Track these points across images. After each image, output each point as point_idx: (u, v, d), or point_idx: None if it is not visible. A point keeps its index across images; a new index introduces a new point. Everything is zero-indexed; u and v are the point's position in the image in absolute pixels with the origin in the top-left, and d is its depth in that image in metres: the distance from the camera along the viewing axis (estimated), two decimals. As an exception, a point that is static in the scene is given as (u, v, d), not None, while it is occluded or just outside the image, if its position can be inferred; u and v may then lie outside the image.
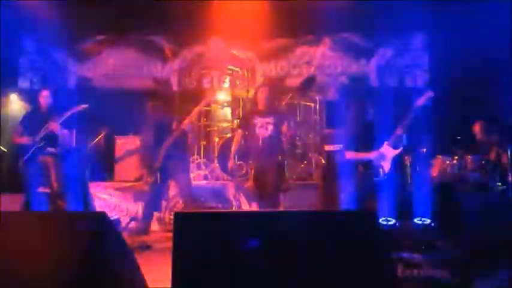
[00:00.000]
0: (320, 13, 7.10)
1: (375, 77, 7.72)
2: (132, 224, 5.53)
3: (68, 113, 5.21)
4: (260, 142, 4.91)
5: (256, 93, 5.16)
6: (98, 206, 5.80)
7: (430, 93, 4.30)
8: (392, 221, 4.31)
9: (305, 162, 6.56)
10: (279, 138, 4.97)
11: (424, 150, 5.67)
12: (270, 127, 4.87)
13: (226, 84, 7.42)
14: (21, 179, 5.20)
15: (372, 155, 4.30)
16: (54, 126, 5.18)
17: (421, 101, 4.25)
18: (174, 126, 5.04)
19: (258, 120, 4.98)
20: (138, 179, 5.81)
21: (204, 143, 6.97)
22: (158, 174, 5.00)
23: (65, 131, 5.28)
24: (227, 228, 1.90)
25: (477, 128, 5.80)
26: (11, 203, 5.17)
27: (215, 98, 7.08)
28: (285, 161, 5.21)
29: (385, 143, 4.27)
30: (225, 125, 7.22)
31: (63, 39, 7.89)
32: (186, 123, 5.04)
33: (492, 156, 5.43)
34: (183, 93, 7.48)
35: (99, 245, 1.83)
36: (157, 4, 7.21)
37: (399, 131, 4.26)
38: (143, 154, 5.31)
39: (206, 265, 1.80)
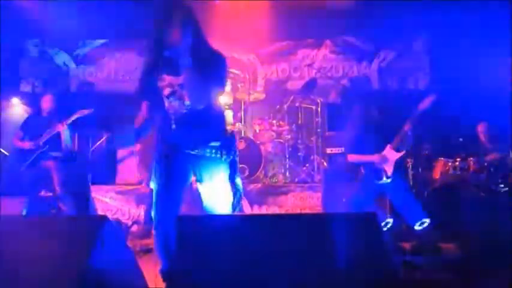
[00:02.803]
0: (321, 16, 7.12)
1: (376, 80, 7.73)
2: (134, 228, 5.53)
3: (73, 117, 5.21)
4: (172, 121, 2.61)
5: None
6: (100, 209, 5.80)
7: (432, 97, 4.27)
8: (392, 223, 4.31)
9: (307, 165, 6.55)
10: (211, 108, 2.69)
11: (426, 152, 5.67)
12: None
13: (228, 88, 7.42)
14: (23, 183, 5.21)
15: (374, 158, 4.28)
16: (60, 127, 5.15)
17: (423, 105, 4.21)
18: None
19: (166, 82, 2.58)
20: (140, 182, 5.82)
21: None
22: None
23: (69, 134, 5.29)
24: (229, 231, 1.90)
25: (479, 129, 5.80)
26: (13, 206, 5.18)
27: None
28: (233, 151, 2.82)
29: (388, 145, 4.26)
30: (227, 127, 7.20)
31: (65, 43, 7.93)
32: None
33: (494, 157, 5.42)
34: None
35: (100, 249, 1.83)
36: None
37: (402, 134, 4.24)
38: (141, 156, 5.31)
39: (208, 268, 1.80)
